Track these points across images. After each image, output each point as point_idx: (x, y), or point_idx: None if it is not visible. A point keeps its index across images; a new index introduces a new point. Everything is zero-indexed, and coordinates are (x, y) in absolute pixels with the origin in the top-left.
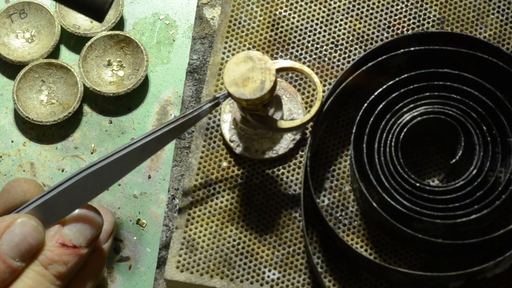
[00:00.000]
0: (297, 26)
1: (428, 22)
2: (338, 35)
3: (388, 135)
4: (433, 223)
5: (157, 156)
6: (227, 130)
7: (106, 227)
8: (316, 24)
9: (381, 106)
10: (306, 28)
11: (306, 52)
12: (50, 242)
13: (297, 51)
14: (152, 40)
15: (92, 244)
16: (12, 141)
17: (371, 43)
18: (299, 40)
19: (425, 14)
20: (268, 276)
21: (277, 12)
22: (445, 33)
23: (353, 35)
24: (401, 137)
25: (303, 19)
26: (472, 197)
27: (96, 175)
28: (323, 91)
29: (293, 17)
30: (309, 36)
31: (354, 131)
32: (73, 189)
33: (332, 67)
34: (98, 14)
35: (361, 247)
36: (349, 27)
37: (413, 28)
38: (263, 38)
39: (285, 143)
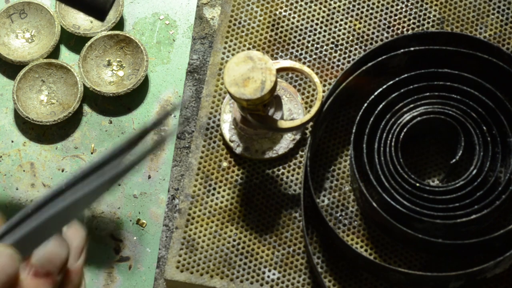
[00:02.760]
0: (297, 26)
1: (428, 22)
2: (338, 35)
3: (388, 135)
4: (433, 223)
5: (157, 156)
6: (227, 130)
7: (77, 244)
8: (316, 24)
9: (381, 106)
10: (306, 28)
11: (306, 52)
12: (23, 274)
13: (297, 51)
14: (152, 40)
15: (64, 268)
16: (12, 141)
17: (371, 43)
18: (299, 40)
19: (425, 14)
20: (268, 276)
21: (277, 12)
22: (445, 33)
23: (353, 35)
24: (401, 137)
25: (303, 19)
26: (472, 197)
27: (61, 211)
28: (323, 91)
29: (293, 17)
30: (309, 36)
31: (354, 131)
32: (43, 226)
33: (332, 67)
34: (99, 14)
35: (361, 247)
36: (349, 27)
37: (413, 28)
38: (263, 38)
39: (285, 143)
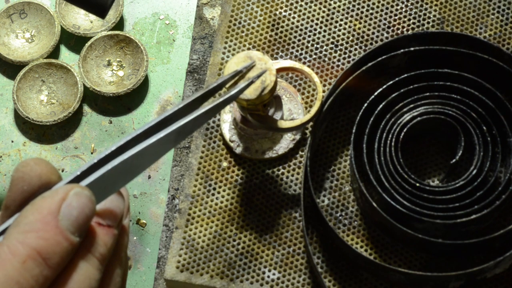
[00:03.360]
0: (297, 26)
1: (428, 22)
2: (338, 35)
3: (388, 135)
4: (433, 223)
5: None
6: (227, 130)
7: (127, 200)
8: (316, 24)
9: (381, 106)
10: (306, 28)
11: (306, 52)
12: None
13: (297, 51)
14: (152, 40)
15: (121, 222)
16: (12, 141)
17: (371, 43)
18: (299, 40)
19: (425, 14)
20: (268, 276)
21: (277, 12)
22: (445, 33)
23: (353, 35)
24: (401, 137)
25: (303, 19)
26: (472, 197)
27: (137, 157)
28: (323, 91)
29: (293, 17)
30: (309, 36)
31: (354, 131)
32: (116, 171)
33: (332, 67)
34: (100, 11)
35: (361, 247)
36: (349, 27)
37: (413, 28)
38: (263, 38)
39: (285, 143)
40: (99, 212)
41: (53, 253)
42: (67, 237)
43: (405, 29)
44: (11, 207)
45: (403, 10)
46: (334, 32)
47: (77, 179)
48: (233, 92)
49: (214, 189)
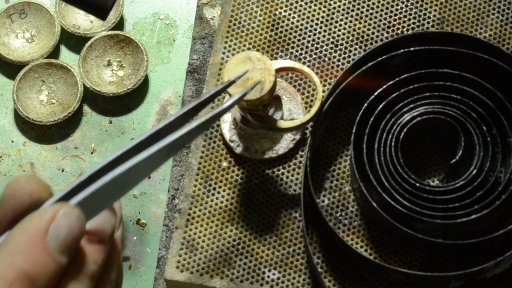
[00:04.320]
0: (297, 26)
1: (428, 22)
2: (338, 35)
3: (388, 135)
4: (433, 223)
5: None
6: (227, 130)
7: (119, 213)
8: (316, 24)
9: (381, 106)
10: (306, 28)
11: (306, 52)
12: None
13: (297, 51)
14: (152, 40)
15: (112, 237)
16: (12, 141)
17: (371, 43)
18: (299, 40)
19: (425, 14)
20: (268, 276)
21: (277, 12)
22: (445, 33)
23: (353, 35)
24: (401, 137)
25: (303, 19)
26: (472, 197)
27: (129, 173)
28: (323, 91)
29: (293, 17)
30: (309, 36)
31: (354, 131)
32: (107, 188)
33: (332, 67)
34: (101, 12)
35: (361, 247)
36: (349, 27)
37: (413, 28)
38: (263, 38)
39: (285, 143)
40: (89, 230)
41: (41, 274)
42: (54, 259)
43: (405, 29)
44: (2, 224)
45: (403, 10)
46: (334, 32)
47: (67, 196)
48: (226, 105)
49: (214, 189)
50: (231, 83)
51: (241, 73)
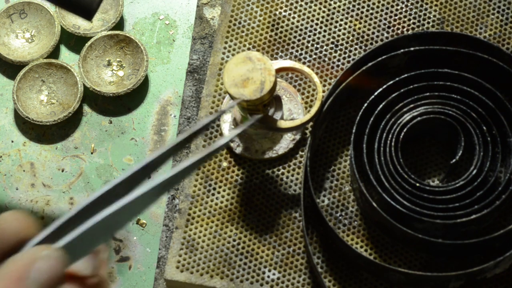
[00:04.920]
0: (297, 26)
1: (428, 22)
2: (338, 35)
3: (388, 135)
4: (433, 223)
5: None
6: (227, 130)
7: (104, 252)
8: (316, 24)
9: (381, 106)
10: (306, 28)
11: (306, 52)
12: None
13: (297, 51)
14: (152, 40)
15: (97, 275)
16: (12, 141)
17: (371, 43)
18: (299, 40)
19: (425, 14)
20: (268, 276)
21: (277, 12)
22: (445, 33)
23: (353, 35)
24: (401, 137)
25: (303, 19)
26: (472, 197)
27: (118, 214)
28: (323, 91)
29: (293, 17)
30: (309, 36)
31: (354, 131)
32: (95, 229)
33: (332, 67)
34: (86, 13)
35: (361, 247)
36: (349, 27)
37: (413, 28)
38: (263, 38)
39: (285, 143)
40: (72, 271)
41: None
42: None
43: (405, 29)
44: None
45: (403, 10)
46: (334, 32)
47: (55, 234)
48: (221, 142)
49: (214, 189)
50: (222, 113)
51: (233, 104)
